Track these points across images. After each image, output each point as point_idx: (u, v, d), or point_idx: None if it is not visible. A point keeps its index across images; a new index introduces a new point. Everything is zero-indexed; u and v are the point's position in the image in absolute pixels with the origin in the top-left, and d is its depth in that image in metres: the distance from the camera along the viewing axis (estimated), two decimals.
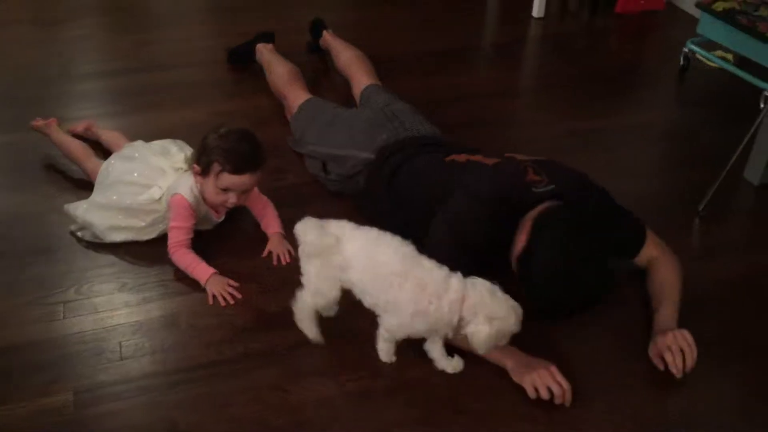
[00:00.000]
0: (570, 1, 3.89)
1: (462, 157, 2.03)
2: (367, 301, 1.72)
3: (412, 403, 1.71)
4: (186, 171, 2.11)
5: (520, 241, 1.77)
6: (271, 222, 2.17)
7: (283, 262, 2.08)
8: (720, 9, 2.93)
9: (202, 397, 1.71)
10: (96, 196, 2.15)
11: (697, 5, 3.06)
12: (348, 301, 1.77)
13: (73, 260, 2.08)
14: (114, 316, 1.91)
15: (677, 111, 3.01)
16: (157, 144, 2.25)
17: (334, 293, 1.74)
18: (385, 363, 1.79)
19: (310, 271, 1.74)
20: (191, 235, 2.04)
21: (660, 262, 1.97)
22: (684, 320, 1.82)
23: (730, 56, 3.17)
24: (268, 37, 3.00)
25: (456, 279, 1.64)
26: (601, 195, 1.95)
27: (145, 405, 1.69)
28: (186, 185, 2.04)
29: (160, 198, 2.09)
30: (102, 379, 1.74)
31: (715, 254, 2.23)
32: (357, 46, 2.91)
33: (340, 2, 3.82)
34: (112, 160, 2.23)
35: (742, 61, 3.07)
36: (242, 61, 3.03)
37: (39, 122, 2.46)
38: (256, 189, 2.15)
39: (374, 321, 1.76)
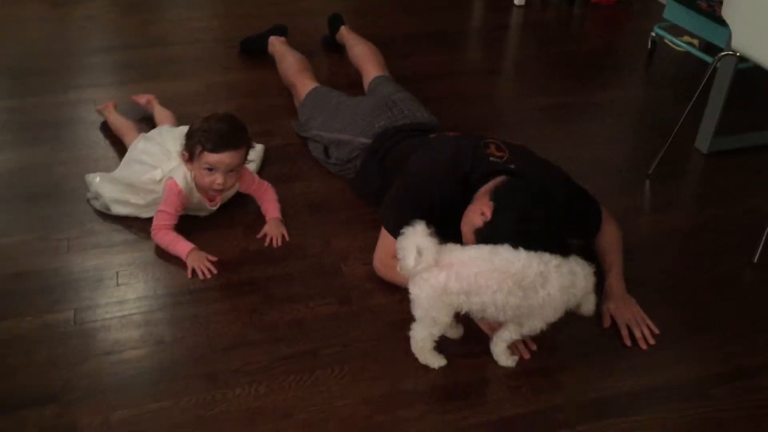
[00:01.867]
0: None
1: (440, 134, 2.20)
2: (501, 317, 1.72)
3: (372, 323, 1.94)
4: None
5: (475, 210, 1.83)
6: (270, 206, 2.25)
7: (275, 245, 2.17)
8: None
9: (186, 317, 1.93)
10: (117, 170, 2.32)
11: None
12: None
13: (78, 205, 2.30)
14: (113, 251, 2.14)
15: (641, 90, 3.23)
16: (182, 129, 2.28)
17: (448, 320, 1.72)
18: (352, 291, 2.02)
19: (426, 299, 1.69)
20: (175, 221, 2.13)
21: (605, 227, 2.11)
22: (629, 266, 2.06)
23: (695, 41, 3.38)
24: (281, 30, 3.14)
25: (575, 262, 1.72)
26: (563, 178, 2.06)
27: (136, 322, 1.91)
28: (182, 171, 2.13)
29: (160, 180, 2.19)
30: (100, 300, 1.97)
31: (659, 211, 2.45)
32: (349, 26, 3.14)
33: None
34: (139, 138, 2.40)
35: (707, 46, 3.28)
36: (254, 52, 3.15)
37: (100, 106, 2.65)
38: (256, 176, 2.27)
39: (344, 256, 1.99)
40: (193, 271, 2.06)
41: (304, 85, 2.73)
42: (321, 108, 2.57)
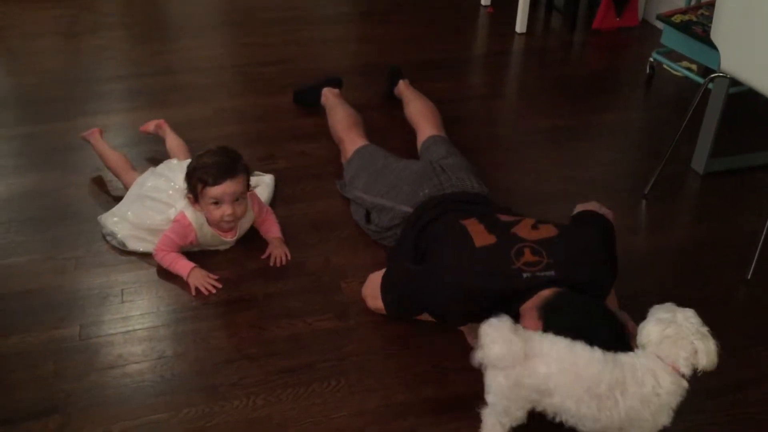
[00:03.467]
0: (551, 19, 4.19)
1: (470, 223, 1.95)
2: (587, 426, 1.53)
3: (368, 338, 1.98)
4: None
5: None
6: (271, 227, 2.29)
7: (279, 264, 2.21)
8: (678, 20, 3.21)
9: (188, 333, 1.99)
10: (124, 205, 2.32)
11: (658, 18, 3.33)
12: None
13: (86, 226, 2.37)
14: (118, 269, 2.20)
15: (639, 113, 3.28)
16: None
17: (521, 414, 1.57)
18: (350, 307, 2.07)
19: (498, 388, 1.54)
20: (178, 249, 2.17)
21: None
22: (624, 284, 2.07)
23: (694, 66, 3.44)
24: (335, 82, 3.03)
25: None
26: (603, 269, 1.88)
27: (139, 337, 1.97)
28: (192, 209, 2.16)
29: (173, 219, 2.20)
30: (105, 316, 2.03)
31: (654, 230, 2.49)
32: (355, 57, 3.19)
33: (341, 19, 4.14)
34: (148, 173, 2.40)
35: (706, 71, 3.33)
36: (308, 104, 3.05)
37: (86, 133, 2.64)
38: (263, 210, 2.29)
39: (344, 273, 2.04)
40: (197, 289, 2.11)
41: (352, 141, 2.61)
42: (366, 168, 2.43)
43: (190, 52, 3.62)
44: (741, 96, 3.09)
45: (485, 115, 3.19)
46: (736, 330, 2.05)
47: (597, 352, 1.51)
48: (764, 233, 2.21)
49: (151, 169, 2.45)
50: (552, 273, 1.76)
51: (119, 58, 3.56)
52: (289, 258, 2.24)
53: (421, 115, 2.76)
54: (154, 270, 2.20)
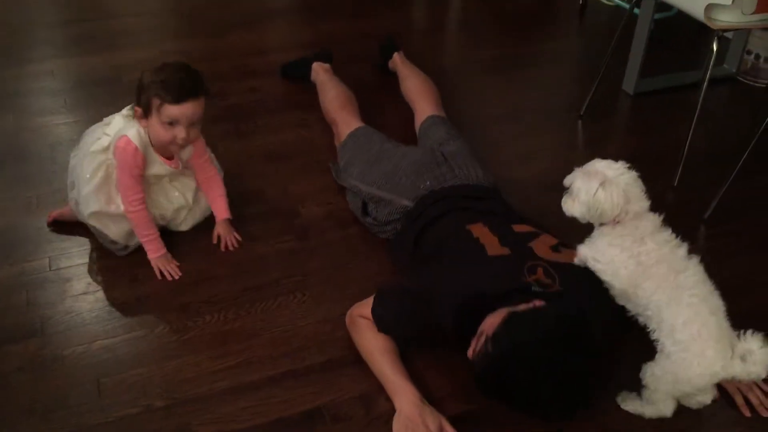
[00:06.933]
0: None
1: (478, 229, 1.81)
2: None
3: (329, 255, 2.11)
4: (133, 117, 1.97)
5: (483, 328, 1.53)
6: (219, 204, 2.14)
7: (230, 248, 2.12)
8: None
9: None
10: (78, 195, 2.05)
11: None
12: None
13: (44, 166, 2.41)
14: None
15: (574, 41, 3.45)
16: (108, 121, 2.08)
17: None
18: (310, 229, 2.19)
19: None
20: (141, 188, 1.97)
21: None
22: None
23: None
24: (325, 56, 2.85)
25: None
26: (611, 322, 1.65)
27: (109, 265, 2.05)
28: (133, 129, 1.94)
29: (108, 146, 1.99)
30: (73, 249, 2.10)
31: (590, 146, 2.67)
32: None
33: None
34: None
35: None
36: (296, 78, 2.90)
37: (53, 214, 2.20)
38: (206, 153, 2.09)
39: (302, 199, 2.15)
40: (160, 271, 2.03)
41: (345, 123, 2.43)
42: (361, 154, 2.25)
43: None
44: (667, 21, 3.28)
45: (429, 48, 3.30)
46: None
47: None
48: (687, 144, 2.40)
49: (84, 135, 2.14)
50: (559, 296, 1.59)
51: (62, 3, 3.53)
52: (239, 240, 2.13)
53: (419, 93, 2.59)
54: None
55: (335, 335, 1.85)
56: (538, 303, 1.53)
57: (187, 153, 2.06)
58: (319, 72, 2.77)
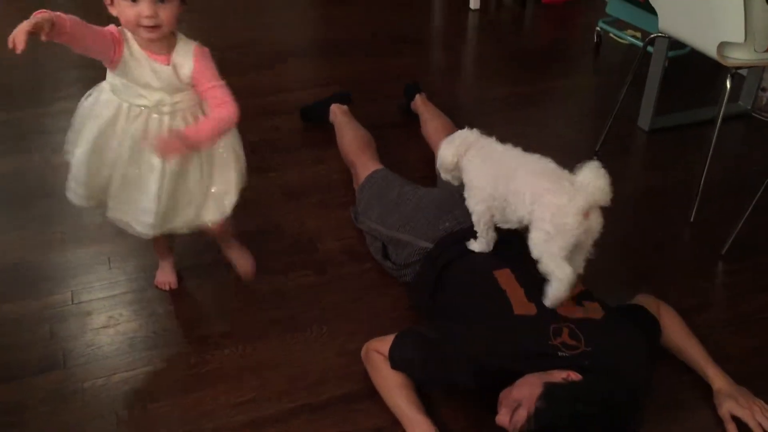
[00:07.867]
0: None
1: (504, 277, 1.80)
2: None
3: (346, 289, 2.14)
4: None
5: (522, 404, 1.56)
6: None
7: (250, 277, 2.09)
8: None
9: (176, 292, 2.11)
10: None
11: None
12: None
13: (68, 203, 2.46)
14: (103, 241, 2.30)
15: (589, 79, 3.48)
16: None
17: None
18: (327, 264, 2.22)
19: None
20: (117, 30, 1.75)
21: (663, 321, 1.89)
22: None
23: (638, 34, 3.64)
24: (343, 98, 2.88)
25: None
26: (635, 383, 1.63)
27: (129, 299, 2.09)
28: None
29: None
30: (95, 282, 2.15)
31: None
32: (317, 33, 3.32)
33: (300, 3, 4.27)
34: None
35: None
36: (315, 120, 2.92)
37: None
38: (216, 80, 1.84)
39: (319, 234, 2.19)
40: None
41: (364, 166, 2.42)
42: (380, 197, 2.24)
43: None
44: (681, 59, 3.31)
45: (447, 87, 3.36)
46: (682, 265, 2.25)
47: None
48: (702, 180, 2.41)
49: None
50: (586, 363, 1.61)
51: None
52: (254, 264, 2.09)
53: (440, 135, 2.47)
54: (137, 240, 2.30)
55: (351, 369, 1.86)
56: (573, 376, 1.57)
57: (182, 58, 1.76)
58: (338, 113, 2.80)
